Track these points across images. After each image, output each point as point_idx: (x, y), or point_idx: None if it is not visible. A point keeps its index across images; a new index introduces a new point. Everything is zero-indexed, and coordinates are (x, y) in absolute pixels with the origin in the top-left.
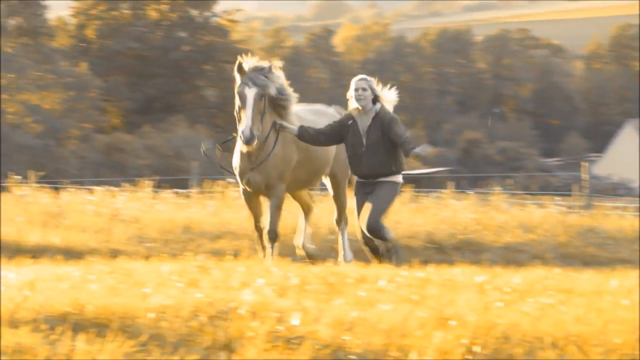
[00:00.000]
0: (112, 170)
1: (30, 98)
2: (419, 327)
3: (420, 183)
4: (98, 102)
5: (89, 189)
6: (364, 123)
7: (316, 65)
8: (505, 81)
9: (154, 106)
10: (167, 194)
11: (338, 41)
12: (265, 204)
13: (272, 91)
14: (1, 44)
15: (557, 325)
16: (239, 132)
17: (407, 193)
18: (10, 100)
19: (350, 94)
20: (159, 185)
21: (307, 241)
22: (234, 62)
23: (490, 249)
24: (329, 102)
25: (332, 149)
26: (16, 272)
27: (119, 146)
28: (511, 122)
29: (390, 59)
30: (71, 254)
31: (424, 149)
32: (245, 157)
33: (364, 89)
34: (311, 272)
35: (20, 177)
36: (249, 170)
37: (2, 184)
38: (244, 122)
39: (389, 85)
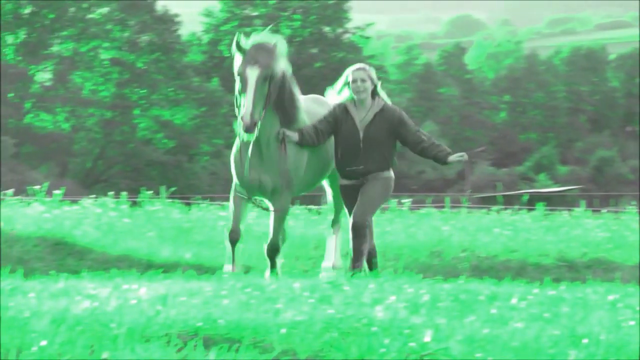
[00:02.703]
0: None
1: (162, 113)
2: (551, 346)
3: (551, 201)
4: (230, 117)
5: (220, 204)
6: (362, 117)
7: (448, 83)
8: (638, 99)
9: None
10: (299, 210)
11: (470, 59)
12: (245, 209)
13: (279, 70)
14: (129, 59)
15: None
16: (238, 118)
17: (539, 211)
18: (142, 115)
19: (340, 84)
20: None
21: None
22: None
23: (622, 267)
24: (461, 120)
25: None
26: (148, 287)
27: None
28: None
29: (522, 77)
30: (202, 268)
31: (463, 157)
32: (254, 152)
33: (364, 80)
34: (443, 289)
35: (151, 192)
36: (257, 169)
37: (134, 199)
38: (244, 106)
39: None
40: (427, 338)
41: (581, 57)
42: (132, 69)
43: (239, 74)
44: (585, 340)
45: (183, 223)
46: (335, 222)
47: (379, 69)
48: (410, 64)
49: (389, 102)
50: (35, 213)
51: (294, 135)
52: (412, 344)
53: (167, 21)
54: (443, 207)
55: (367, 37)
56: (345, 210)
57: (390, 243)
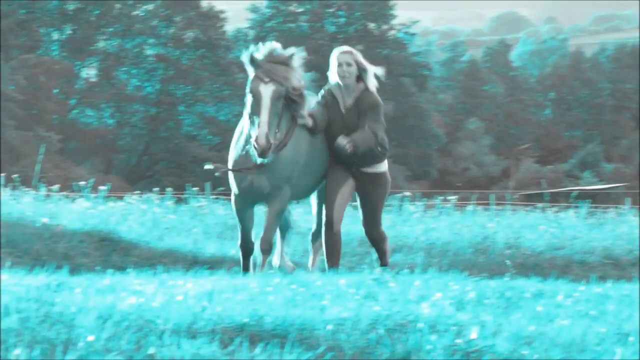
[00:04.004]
0: None
1: (207, 110)
2: (597, 343)
3: (596, 199)
4: None
5: None
6: (346, 102)
7: (492, 80)
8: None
9: None
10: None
11: (515, 56)
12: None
13: (295, 83)
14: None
15: None
16: (252, 140)
17: (584, 208)
18: (187, 112)
19: (332, 68)
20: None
21: (286, 259)
22: (412, 76)
23: None
24: (505, 117)
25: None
26: (193, 283)
27: None
28: None
29: (567, 74)
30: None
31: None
32: (249, 156)
33: (349, 64)
34: (488, 286)
35: (197, 188)
36: (255, 175)
37: (179, 196)
38: (258, 127)
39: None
40: (474, 335)
41: (626, 55)
42: (177, 65)
43: (251, 91)
44: (631, 338)
45: (228, 219)
46: (317, 236)
47: (424, 65)
48: (455, 61)
49: (373, 89)
50: (81, 209)
51: (308, 121)
52: (458, 341)
53: (212, 17)
54: (488, 204)
55: (413, 34)
56: (324, 204)
57: (435, 240)
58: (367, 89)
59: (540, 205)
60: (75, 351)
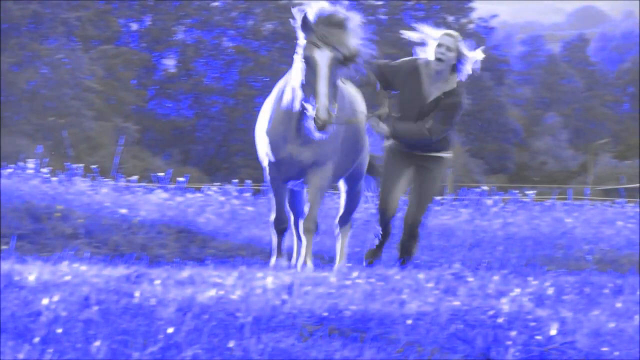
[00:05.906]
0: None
1: None
2: None
3: None
4: None
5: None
6: (432, 86)
7: (571, 74)
8: None
9: None
10: None
11: (593, 50)
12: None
13: (352, 48)
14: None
15: None
16: (309, 115)
17: None
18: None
19: (429, 46)
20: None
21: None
22: (490, 70)
23: None
24: (584, 112)
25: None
26: (273, 276)
27: None
28: None
29: None
30: (325, 258)
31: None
32: (292, 125)
33: (450, 49)
34: (567, 281)
35: None
36: (294, 144)
37: (257, 187)
38: (316, 99)
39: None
40: (553, 331)
41: None
42: (256, 57)
43: (304, 59)
44: None
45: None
46: (344, 222)
47: (503, 60)
48: (534, 55)
49: (462, 79)
50: (159, 200)
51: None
52: (538, 337)
53: (289, 11)
54: (565, 198)
55: (491, 28)
56: (383, 181)
57: (514, 235)
58: (459, 89)
59: (618, 200)
60: (155, 343)
